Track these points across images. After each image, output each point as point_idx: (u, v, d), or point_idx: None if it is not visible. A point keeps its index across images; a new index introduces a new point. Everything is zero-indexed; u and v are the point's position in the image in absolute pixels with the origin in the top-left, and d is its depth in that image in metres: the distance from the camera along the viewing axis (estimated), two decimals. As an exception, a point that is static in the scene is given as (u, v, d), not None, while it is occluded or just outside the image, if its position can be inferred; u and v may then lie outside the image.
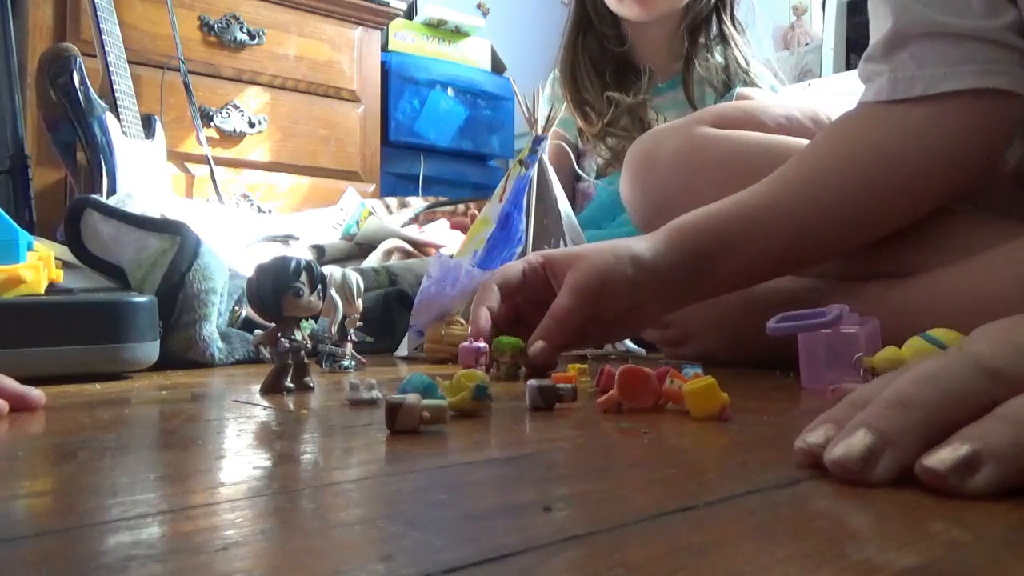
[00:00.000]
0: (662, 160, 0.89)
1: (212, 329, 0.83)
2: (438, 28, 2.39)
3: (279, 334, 0.57)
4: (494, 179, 2.00)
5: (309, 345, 0.59)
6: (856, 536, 0.23)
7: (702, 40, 1.33)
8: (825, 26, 2.28)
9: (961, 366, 0.30)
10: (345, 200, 1.66)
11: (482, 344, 0.69)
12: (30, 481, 0.32)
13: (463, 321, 0.88)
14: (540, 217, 0.99)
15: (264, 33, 1.92)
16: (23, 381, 0.50)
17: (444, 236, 1.47)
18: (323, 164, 2.02)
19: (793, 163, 0.69)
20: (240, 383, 0.68)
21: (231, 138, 1.86)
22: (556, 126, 1.08)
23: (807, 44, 2.39)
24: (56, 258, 0.79)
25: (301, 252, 1.35)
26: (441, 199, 1.80)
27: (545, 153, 1.02)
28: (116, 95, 1.38)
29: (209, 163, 1.70)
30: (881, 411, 0.29)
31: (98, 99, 1.33)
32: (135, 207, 0.99)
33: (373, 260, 1.32)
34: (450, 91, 2.35)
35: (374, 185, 2.10)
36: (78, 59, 1.31)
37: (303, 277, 0.57)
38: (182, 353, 0.81)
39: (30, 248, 0.76)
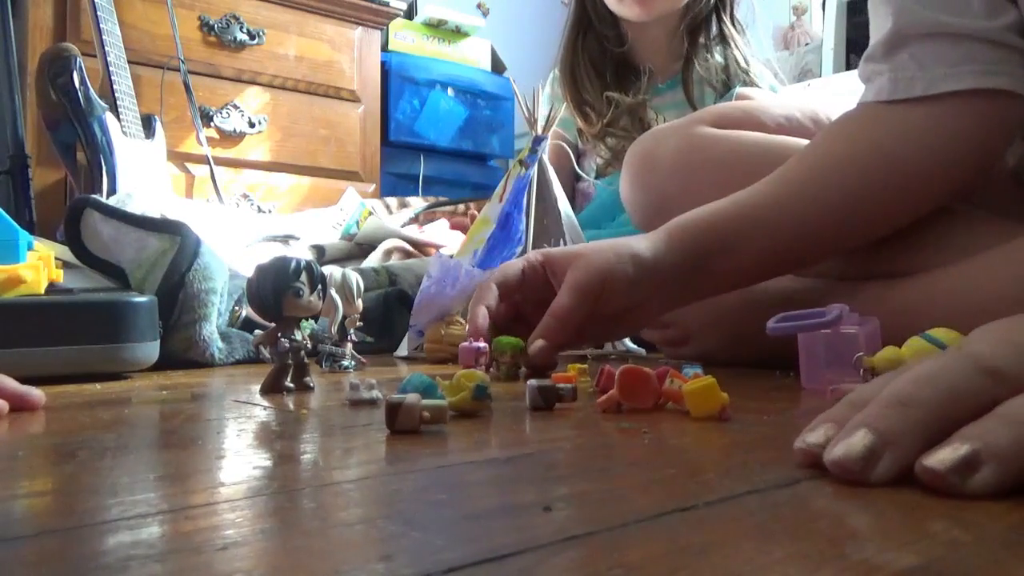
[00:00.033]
0: (662, 160, 0.89)
1: (212, 329, 0.83)
2: (438, 28, 2.39)
3: (279, 334, 0.57)
4: (494, 179, 2.00)
5: (309, 345, 0.59)
6: (856, 536, 0.23)
7: (702, 40, 1.33)
8: (825, 26, 2.28)
9: (961, 366, 0.30)
10: (345, 200, 1.66)
11: (482, 344, 0.69)
12: (30, 481, 0.32)
13: (463, 321, 0.88)
14: (540, 217, 0.99)
15: (264, 33, 1.92)
16: (23, 381, 0.50)
17: (444, 236, 1.47)
18: (323, 164, 2.02)
19: (793, 163, 0.69)
20: (240, 383, 0.68)
21: (231, 138, 1.86)
22: (556, 126, 1.08)
23: (807, 44, 2.39)
24: (56, 258, 0.79)
25: (301, 252, 1.35)
26: (441, 199, 1.81)
27: (545, 153, 1.02)
28: (116, 95, 1.38)
29: (209, 163, 1.70)
30: (881, 411, 0.29)
31: (98, 99, 1.33)
32: (135, 207, 0.99)
33: (373, 260, 1.32)
34: (450, 91, 2.35)
35: (374, 185, 2.10)
36: (78, 59, 1.31)
37: (303, 277, 0.57)
38: (182, 353, 0.81)
39: (30, 248, 0.76)
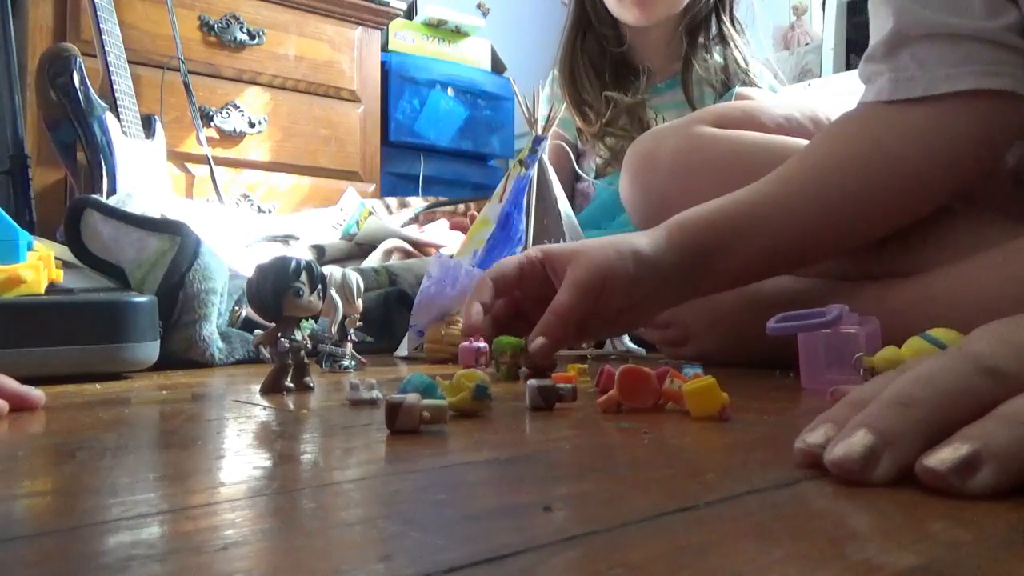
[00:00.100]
0: (661, 160, 0.89)
1: (212, 329, 0.83)
2: (438, 28, 2.39)
3: (279, 334, 0.57)
4: (494, 179, 2.00)
5: (309, 345, 0.59)
6: (856, 536, 0.23)
7: (701, 40, 1.33)
8: (825, 26, 2.28)
9: (961, 365, 0.30)
10: (345, 200, 1.66)
11: (482, 344, 0.69)
12: (30, 481, 0.32)
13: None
14: (540, 217, 0.99)
15: (264, 33, 1.92)
16: (23, 381, 0.50)
17: (444, 236, 1.47)
18: (323, 164, 2.02)
19: (794, 162, 0.69)
20: (240, 383, 0.68)
21: (231, 138, 1.86)
22: (556, 126, 1.08)
23: (807, 44, 2.39)
24: (56, 258, 0.79)
25: (301, 252, 1.35)
26: (441, 199, 1.81)
27: (545, 153, 1.02)
28: (116, 95, 1.38)
29: (209, 163, 1.70)
30: (881, 411, 0.29)
31: (98, 99, 1.33)
32: (135, 207, 0.99)
33: (373, 260, 1.32)
34: (450, 91, 2.35)
35: (374, 185, 2.10)
36: (78, 59, 1.31)
37: (303, 277, 0.57)
38: (182, 353, 0.81)
39: (30, 248, 0.76)
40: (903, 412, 0.29)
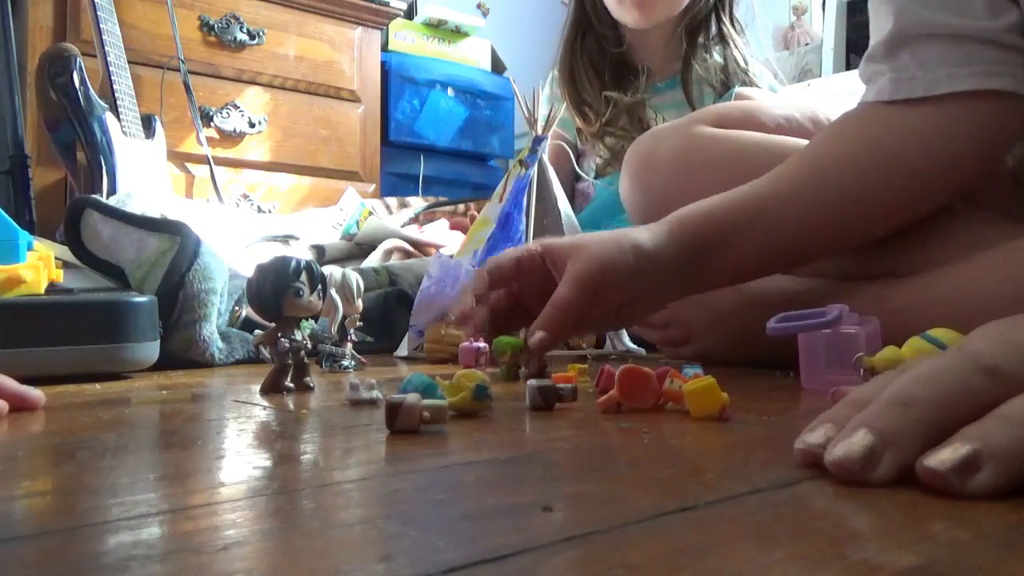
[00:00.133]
0: (661, 160, 0.89)
1: (212, 329, 0.83)
2: (438, 28, 2.39)
3: (279, 334, 0.57)
4: (494, 179, 2.00)
5: (309, 345, 0.59)
6: (856, 536, 0.23)
7: (701, 40, 1.33)
8: (825, 26, 2.28)
9: (960, 365, 0.30)
10: (345, 200, 1.66)
11: (482, 344, 0.69)
12: (30, 481, 0.32)
13: (463, 321, 0.88)
14: (540, 217, 0.99)
15: (264, 33, 1.92)
16: (23, 381, 0.50)
17: (444, 236, 1.47)
18: (323, 164, 2.02)
19: (794, 160, 0.69)
20: (240, 383, 0.68)
21: (231, 138, 1.86)
22: (555, 126, 1.08)
23: (807, 44, 2.39)
24: (56, 258, 0.79)
25: (301, 252, 1.35)
26: (441, 199, 1.81)
27: (545, 153, 1.02)
28: (116, 95, 1.38)
29: (209, 163, 1.70)
30: (881, 411, 0.29)
31: (98, 99, 1.33)
32: (135, 207, 0.99)
33: (373, 260, 1.32)
34: (450, 91, 2.35)
35: (374, 185, 2.10)
36: (78, 59, 1.31)
37: (303, 277, 0.57)
38: (182, 353, 0.81)
39: (30, 248, 0.76)
40: (903, 412, 0.29)
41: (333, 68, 2.05)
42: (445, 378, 0.47)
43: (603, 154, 1.33)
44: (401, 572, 0.20)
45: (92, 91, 1.32)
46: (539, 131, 1.01)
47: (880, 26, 0.68)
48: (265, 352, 0.58)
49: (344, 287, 0.72)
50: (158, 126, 1.49)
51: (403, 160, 2.26)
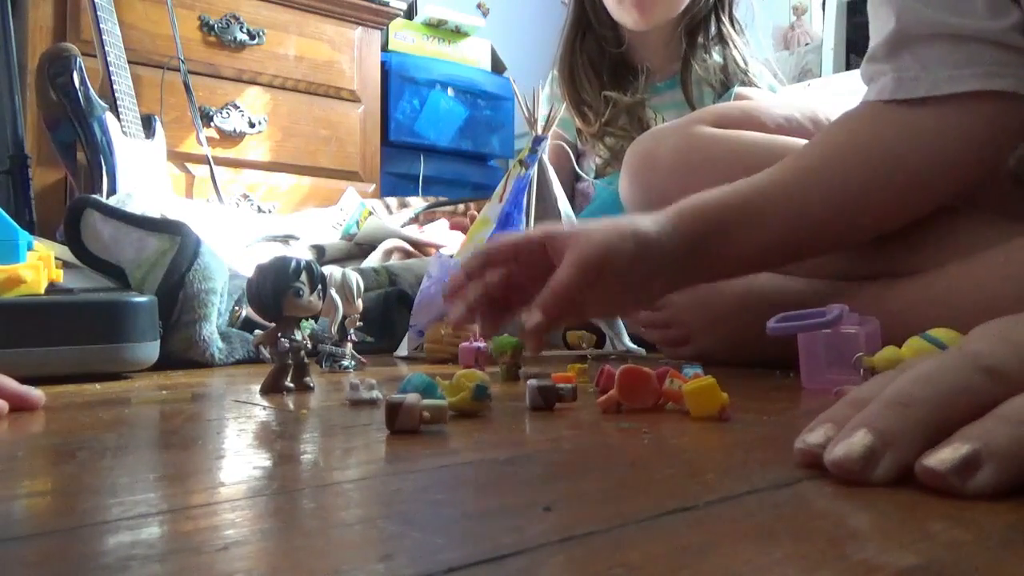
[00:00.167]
0: (661, 160, 0.89)
1: (212, 329, 0.83)
2: (438, 28, 2.39)
3: (279, 334, 0.57)
4: (494, 179, 2.00)
5: (309, 345, 0.59)
6: (856, 536, 0.23)
7: (700, 40, 1.33)
8: (825, 26, 2.28)
9: (960, 365, 0.30)
10: (345, 200, 1.66)
11: (482, 344, 0.69)
12: (30, 481, 0.32)
13: (463, 321, 0.88)
14: (540, 217, 0.99)
15: (264, 33, 1.92)
16: (23, 381, 0.50)
17: (444, 236, 1.47)
18: (323, 164, 2.02)
19: (798, 155, 0.69)
20: (240, 383, 0.68)
21: (231, 138, 1.86)
22: (555, 126, 1.08)
23: (807, 44, 2.39)
24: (56, 258, 0.79)
25: (301, 252, 1.35)
26: (441, 199, 1.80)
27: (545, 153, 1.02)
28: (116, 95, 1.38)
29: (209, 163, 1.70)
30: (881, 411, 0.29)
31: (98, 99, 1.33)
32: (135, 207, 0.99)
33: (373, 260, 1.32)
34: (450, 91, 2.35)
35: (374, 185, 2.10)
36: (78, 59, 1.31)
37: (303, 277, 0.57)
38: (182, 353, 0.81)
39: (30, 248, 0.76)
40: (903, 412, 0.29)
41: (333, 68, 2.05)
42: (445, 378, 0.47)
43: (603, 154, 1.33)
44: (401, 572, 0.20)
45: (92, 91, 1.32)
46: (539, 131, 1.01)
47: (880, 27, 0.68)
48: (265, 352, 0.58)
49: (344, 287, 0.72)
50: (158, 126, 1.49)
51: (403, 160, 2.26)
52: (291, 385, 0.58)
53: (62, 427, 0.45)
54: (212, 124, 1.82)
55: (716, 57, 1.34)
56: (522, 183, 0.99)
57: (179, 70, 1.67)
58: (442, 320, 0.88)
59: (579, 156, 1.38)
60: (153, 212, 1.03)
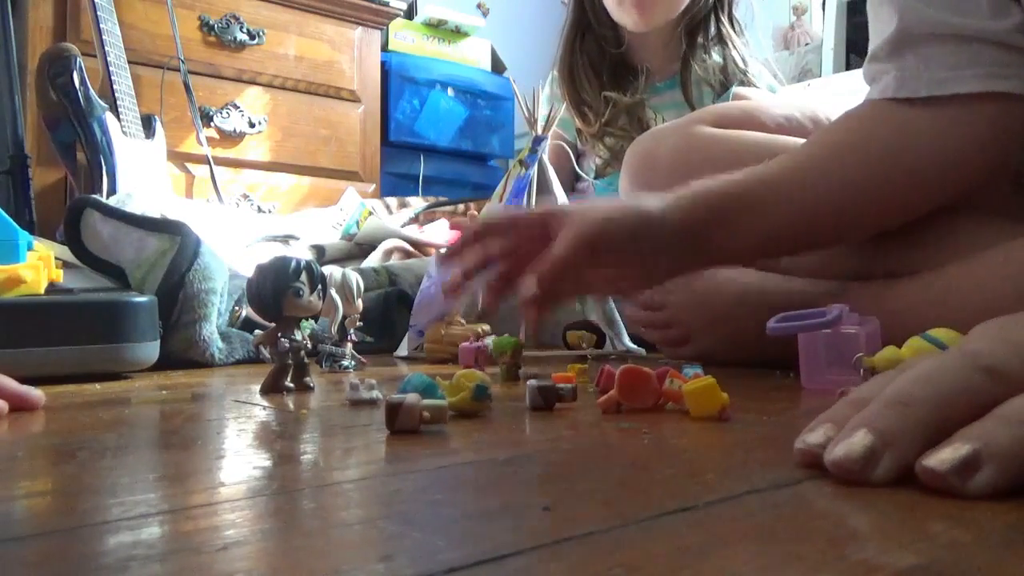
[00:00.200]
0: (661, 160, 0.89)
1: (212, 329, 0.83)
2: (438, 28, 2.39)
3: (279, 334, 0.57)
4: (494, 179, 2.00)
5: (309, 345, 0.59)
6: (856, 536, 0.23)
7: (700, 40, 1.33)
8: (825, 26, 2.28)
9: (960, 365, 0.30)
10: (345, 200, 1.66)
11: (482, 344, 0.69)
12: (30, 481, 0.32)
13: (463, 321, 0.88)
14: (540, 217, 0.99)
15: (264, 33, 1.92)
16: (23, 381, 0.50)
17: (444, 236, 1.47)
18: (323, 164, 2.02)
19: (797, 150, 0.70)
20: (240, 383, 0.68)
21: (231, 138, 1.86)
22: (555, 126, 1.08)
23: (807, 44, 2.39)
24: (56, 258, 0.79)
25: (301, 252, 1.35)
26: (441, 199, 1.80)
27: (545, 153, 1.02)
28: (116, 95, 1.38)
29: (209, 163, 1.70)
30: (881, 411, 0.29)
31: (98, 99, 1.33)
32: (135, 207, 0.99)
33: (373, 260, 1.32)
34: (450, 91, 2.35)
35: (374, 185, 2.10)
36: (78, 59, 1.31)
37: (303, 277, 0.57)
38: (182, 353, 0.81)
39: (30, 248, 0.76)
40: (903, 412, 0.29)
41: (333, 68, 2.05)
42: (445, 378, 0.47)
43: (603, 154, 1.33)
44: (401, 572, 0.20)
45: (92, 91, 1.32)
46: (539, 131, 1.01)
47: (882, 27, 0.67)
48: (265, 352, 0.58)
49: (344, 287, 0.72)
50: (158, 126, 1.49)
51: (403, 160, 2.26)
52: (291, 385, 0.58)
53: (62, 427, 0.45)
54: (212, 124, 1.82)
55: (716, 57, 1.34)
56: (522, 183, 0.99)
57: (179, 70, 1.67)
58: (442, 320, 0.88)
59: (579, 156, 1.38)
60: (153, 212, 1.03)
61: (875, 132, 0.67)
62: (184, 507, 0.26)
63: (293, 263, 0.57)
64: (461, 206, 1.70)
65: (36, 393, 0.50)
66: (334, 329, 0.73)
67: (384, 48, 2.22)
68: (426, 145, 2.30)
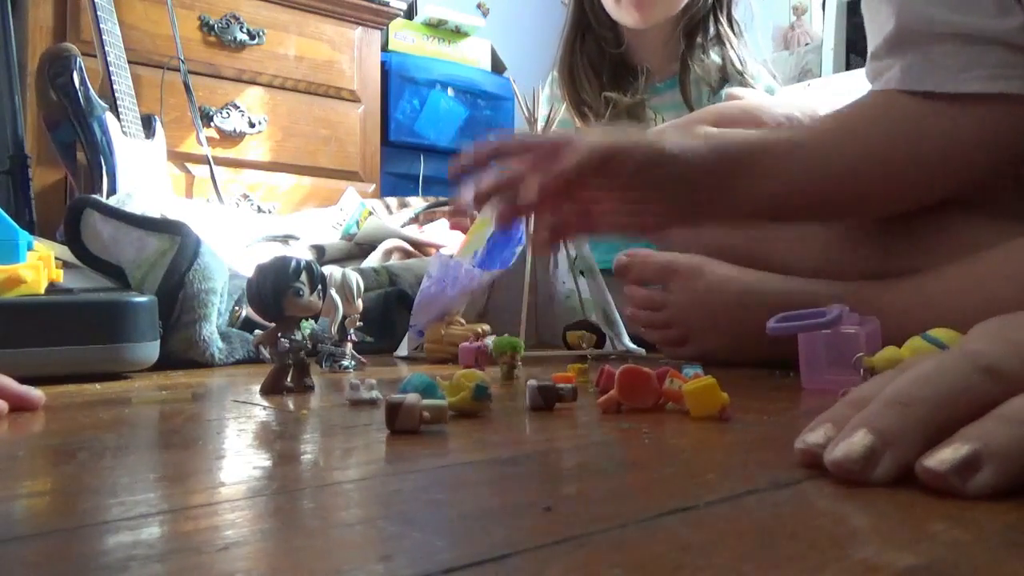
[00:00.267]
0: (661, 160, 0.89)
1: (212, 329, 0.83)
2: (438, 28, 2.39)
3: (279, 334, 0.57)
4: (494, 179, 1.99)
5: (309, 345, 0.59)
6: (856, 536, 0.23)
7: (699, 40, 1.33)
8: (825, 26, 2.28)
9: (960, 365, 0.30)
10: (345, 200, 1.66)
11: (482, 344, 0.69)
12: (30, 481, 0.32)
13: (463, 321, 0.88)
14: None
15: (264, 33, 1.92)
16: (23, 381, 0.50)
17: (444, 236, 1.47)
18: (323, 164, 2.02)
19: (812, 124, 0.70)
20: (240, 383, 0.68)
21: (231, 138, 1.86)
22: (555, 126, 1.08)
23: (807, 44, 2.39)
24: (56, 258, 0.79)
25: (301, 252, 1.35)
26: (441, 199, 1.80)
27: (545, 153, 1.02)
28: (116, 95, 1.38)
29: (209, 163, 1.70)
30: (881, 411, 0.29)
31: (98, 99, 1.33)
32: (135, 207, 0.99)
33: (373, 260, 1.32)
34: (450, 91, 2.35)
35: (374, 185, 2.10)
36: (78, 59, 1.31)
37: (303, 277, 0.57)
38: (182, 353, 0.81)
39: (30, 248, 0.76)
40: (903, 412, 0.29)
41: (333, 68, 2.05)
42: (445, 378, 0.47)
43: (603, 154, 1.33)
44: (401, 572, 0.20)
45: (92, 91, 1.32)
46: (539, 131, 1.01)
47: (879, 27, 0.67)
48: (265, 352, 0.58)
49: (344, 287, 0.72)
50: (158, 126, 1.49)
51: (403, 160, 2.26)
52: (291, 385, 0.58)
53: (62, 427, 0.45)
54: (212, 124, 1.82)
55: (714, 57, 1.34)
56: (522, 183, 0.98)
57: (179, 70, 1.68)
58: (442, 320, 0.88)
59: (579, 156, 1.38)
60: (153, 212, 1.03)
61: (878, 121, 0.68)
62: (184, 507, 0.26)
63: (293, 263, 0.57)
64: (461, 206, 1.70)
65: (36, 393, 0.50)
66: (334, 329, 0.73)
67: (384, 48, 2.22)
68: (426, 145, 2.30)
